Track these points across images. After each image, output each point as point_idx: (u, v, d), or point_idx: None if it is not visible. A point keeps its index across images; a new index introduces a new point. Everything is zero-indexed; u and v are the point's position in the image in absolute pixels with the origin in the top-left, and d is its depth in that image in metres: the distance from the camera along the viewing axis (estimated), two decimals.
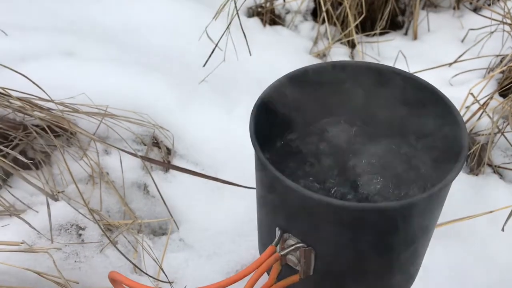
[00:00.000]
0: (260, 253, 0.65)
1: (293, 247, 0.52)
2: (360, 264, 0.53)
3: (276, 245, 0.53)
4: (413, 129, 0.61)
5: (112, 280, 0.49)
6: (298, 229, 0.52)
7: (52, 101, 0.85)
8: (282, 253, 0.52)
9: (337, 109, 0.64)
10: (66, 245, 0.73)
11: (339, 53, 1.32)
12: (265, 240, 0.60)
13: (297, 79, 0.62)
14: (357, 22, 1.30)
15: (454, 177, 0.49)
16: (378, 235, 0.50)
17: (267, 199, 0.55)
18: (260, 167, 0.54)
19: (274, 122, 0.60)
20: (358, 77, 0.61)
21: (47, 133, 0.84)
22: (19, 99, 0.82)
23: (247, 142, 0.95)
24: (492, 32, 1.26)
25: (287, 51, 1.30)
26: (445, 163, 0.53)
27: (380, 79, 0.60)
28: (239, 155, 0.94)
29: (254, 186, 0.87)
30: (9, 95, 0.81)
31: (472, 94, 1.08)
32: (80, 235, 0.77)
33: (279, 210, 0.53)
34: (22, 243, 0.66)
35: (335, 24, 1.36)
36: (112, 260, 0.76)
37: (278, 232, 0.54)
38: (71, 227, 0.76)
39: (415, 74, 0.61)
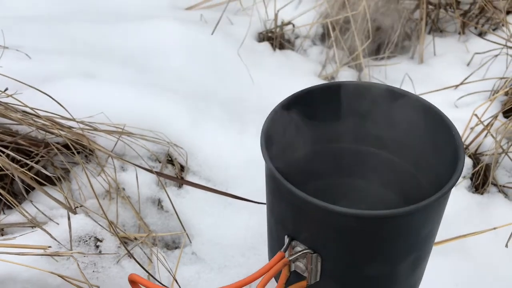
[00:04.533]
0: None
1: (300, 253, 0.55)
2: (364, 270, 0.56)
3: (284, 252, 0.56)
4: (415, 146, 0.64)
5: (132, 282, 0.52)
6: (305, 236, 0.55)
7: (74, 119, 0.89)
8: (290, 258, 0.56)
9: (343, 128, 0.68)
10: (84, 256, 0.77)
11: (347, 76, 1.36)
12: (274, 248, 0.63)
13: (309, 96, 0.66)
14: (364, 46, 1.35)
15: (451, 186, 0.52)
16: (379, 242, 0.53)
17: (275, 208, 0.59)
18: (269, 176, 0.58)
19: (285, 136, 0.64)
20: (361, 97, 0.65)
21: (67, 149, 0.89)
22: (45, 117, 0.87)
23: (258, 160, 0.98)
24: (496, 56, 1.30)
25: (296, 74, 1.34)
26: (446, 178, 0.56)
27: (379, 97, 0.64)
28: (249, 172, 0.98)
29: (263, 202, 0.90)
30: (36, 114, 0.86)
31: (476, 115, 1.11)
32: (98, 246, 0.80)
33: (287, 218, 0.57)
34: (49, 247, 0.70)
35: (343, 48, 1.40)
36: (128, 271, 0.80)
37: (286, 240, 0.57)
38: (89, 239, 0.80)
39: (412, 93, 0.64)
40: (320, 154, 0.69)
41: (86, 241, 0.80)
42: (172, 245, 0.91)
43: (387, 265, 0.56)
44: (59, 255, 0.70)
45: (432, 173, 0.62)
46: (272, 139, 0.61)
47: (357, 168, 0.69)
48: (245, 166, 1.00)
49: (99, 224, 0.80)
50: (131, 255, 0.78)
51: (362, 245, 0.53)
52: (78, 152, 0.92)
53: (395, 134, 0.65)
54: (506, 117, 1.20)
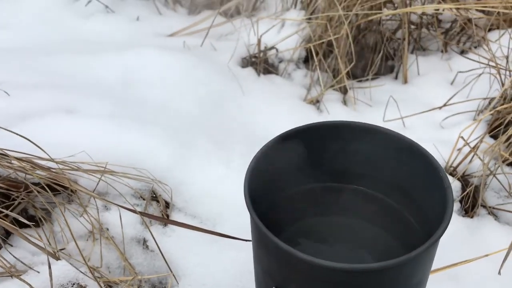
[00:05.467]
0: None
1: None
2: None
3: None
4: (404, 186, 0.63)
5: None
6: None
7: (52, 160, 0.87)
8: None
9: (330, 167, 0.67)
10: None
11: (332, 99, 1.36)
12: None
13: (293, 138, 0.64)
14: (348, 69, 1.34)
15: (439, 236, 0.51)
16: None
17: (262, 259, 0.57)
18: (255, 228, 0.56)
19: (271, 179, 0.63)
20: (354, 136, 0.64)
21: (47, 191, 0.86)
22: (20, 159, 0.85)
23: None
24: (480, 75, 1.30)
25: (281, 99, 1.33)
26: (435, 219, 0.55)
27: (366, 137, 0.63)
28: (237, 207, 0.96)
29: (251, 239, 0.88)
30: (13, 157, 0.84)
31: (462, 137, 1.10)
32: None
33: (274, 270, 0.55)
34: None
35: (327, 71, 1.40)
36: None
37: None
38: (72, 286, 0.77)
39: (400, 133, 0.63)
40: (308, 193, 0.68)
41: None
42: (158, 286, 0.88)
43: None
44: None
45: (422, 212, 0.61)
46: (257, 182, 0.59)
47: (346, 207, 0.68)
48: (232, 199, 0.98)
49: (81, 272, 0.77)
50: None
51: None
52: (59, 193, 0.89)
53: (383, 173, 0.64)
54: (491, 136, 1.20)
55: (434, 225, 0.53)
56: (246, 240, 0.85)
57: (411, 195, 0.63)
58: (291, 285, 0.53)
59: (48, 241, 0.84)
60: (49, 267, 0.74)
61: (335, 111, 1.31)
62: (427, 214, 0.59)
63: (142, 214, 0.86)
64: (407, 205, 0.64)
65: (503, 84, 1.22)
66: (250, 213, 0.54)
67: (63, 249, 0.86)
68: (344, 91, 1.39)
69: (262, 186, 0.61)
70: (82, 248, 0.85)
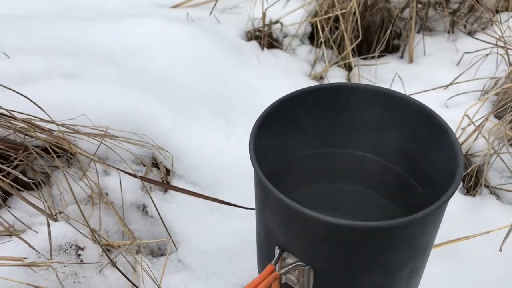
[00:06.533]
0: (259, 273, 0.65)
1: (291, 266, 0.52)
2: (358, 282, 0.53)
3: (275, 264, 0.53)
4: (409, 151, 0.62)
5: None
6: (296, 248, 0.53)
7: (53, 122, 0.85)
8: (281, 271, 0.53)
9: (335, 132, 0.65)
10: (65, 265, 0.73)
11: (336, 76, 1.34)
12: (264, 259, 0.60)
13: (298, 99, 0.63)
14: (354, 45, 1.32)
15: (450, 196, 0.50)
16: (375, 253, 0.51)
17: (265, 217, 0.56)
18: (259, 184, 0.55)
19: (276, 140, 0.61)
20: (360, 99, 0.62)
21: (47, 153, 0.85)
22: (22, 120, 0.83)
23: (246, 163, 0.96)
24: (487, 55, 1.29)
25: (284, 74, 1.32)
26: (442, 183, 0.54)
27: (373, 100, 0.61)
28: (238, 175, 0.95)
29: (252, 207, 0.87)
30: (13, 117, 0.82)
31: (467, 115, 1.09)
32: (79, 255, 0.77)
33: (278, 229, 0.54)
34: (25, 258, 0.66)
35: (332, 48, 1.38)
36: (111, 281, 0.76)
37: (277, 251, 0.54)
38: (70, 247, 0.76)
39: (408, 95, 0.62)
40: (312, 159, 0.66)
41: (67, 249, 0.76)
42: (157, 252, 0.88)
43: (382, 277, 0.53)
44: (36, 265, 0.66)
45: (429, 178, 0.60)
46: (262, 143, 0.58)
47: (350, 173, 0.67)
48: (233, 169, 0.97)
49: (80, 232, 0.76)
50: (113, 264, 0.75)
51: (356, 257, 0.51)
52: (59, 156, 0.88)
53: (389, 138, 0.63)
54: (496, 116, 1.18)
55: (442, 190, 0.52)
56: (247, 208, 0.85)
57: (418, 160, 0.61)
58: (294, 244, 0.52)
59: (46, 202, 0.83)
60: (48, 227, 0.73)
61: None
62: (434, 180, 0.57)
63: (142, 178, 0.85)
64: (414, 172, 0.63)
65: (510, 64, 1.20)
66: (254, 168, 0.53)
67: (61, 212, 0.85)
68: (348, 68, 1.38)
69: (267, 148, 0.59)
70: (80, 213, 0.84)
